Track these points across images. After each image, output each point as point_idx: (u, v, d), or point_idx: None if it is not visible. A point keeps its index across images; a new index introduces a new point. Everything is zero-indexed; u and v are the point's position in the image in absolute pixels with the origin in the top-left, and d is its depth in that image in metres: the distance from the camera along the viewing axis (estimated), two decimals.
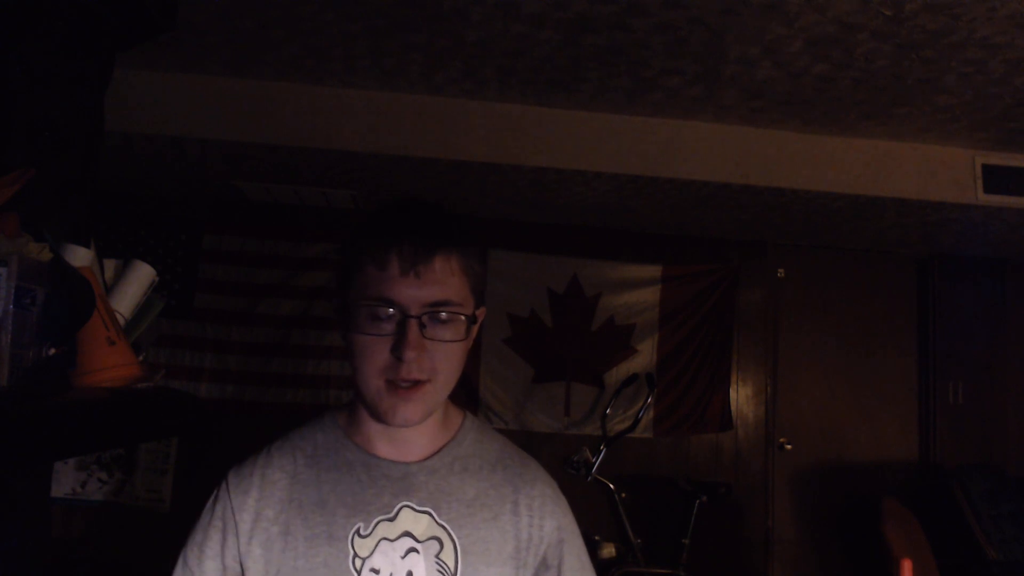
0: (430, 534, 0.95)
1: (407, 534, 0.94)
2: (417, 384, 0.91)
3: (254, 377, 4.00)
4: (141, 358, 1.40)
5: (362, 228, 0.97)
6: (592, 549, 3.51)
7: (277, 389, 4.00)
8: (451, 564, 0.94)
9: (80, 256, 1.25)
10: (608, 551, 3.47)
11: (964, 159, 3.37)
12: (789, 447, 4.27)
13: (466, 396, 4.10)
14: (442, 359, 0.93)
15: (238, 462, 1.01)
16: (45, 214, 1.25)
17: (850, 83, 2.77)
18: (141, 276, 1.47)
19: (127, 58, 2.21)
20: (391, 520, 0.94)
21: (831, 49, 2.52)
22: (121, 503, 3.78)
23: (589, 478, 3.46)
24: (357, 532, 0.93)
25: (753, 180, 3.28)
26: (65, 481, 3.75)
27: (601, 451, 3.49)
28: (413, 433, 0.99)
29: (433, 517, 0.95)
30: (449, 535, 0.95)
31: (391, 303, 0.90)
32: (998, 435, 4.28)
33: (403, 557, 0.93)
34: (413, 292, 0.90)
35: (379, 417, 0.94)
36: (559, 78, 2.90)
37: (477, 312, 0.99)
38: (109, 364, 1.24)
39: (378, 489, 0.96)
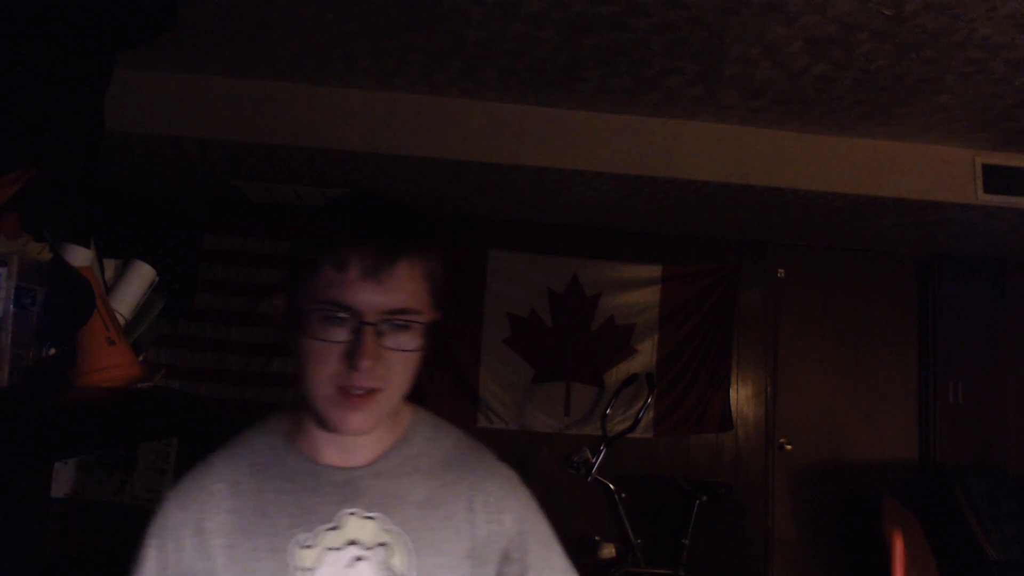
0: (378, 540, 0.91)
1: (353, 542, 0.90)
2: (370, 392, 0.87)
3: (254, 377, 4.00)
4: (141, 358, 1.40)
5: (319, 222, 0.89)
6: (592, 549, 3.51)
7: (277, 389, 4.00)
8: (402, 569, 0.90)
9: (80, 256, 1.25)
10: (608, 551, 3.47)
11: (964, 159, 3.37)
12: (789, 447, 4.27)
13: (466, 396, 4.11)
14: (397, 367, 0.88)
15: (179, 479, 0.96)
16: (45, 214, 1.25)
17: (850, 83, 2.77)
18: (141, 276, 1.47)
19: (127, 58, 2.21)
20: (336, 529, 0.90)
21: (831, 49, 2.52)
22: (121, 503, 3.78)
23: (589, 478, 3.46)
24: (300, 543, 0.89)
25: (753, 180, 3.28)
26: (65, 481, 3.75)
27: (601, 451, 3.49)
28: (360, 437, 0.94)
29: (381, 522, 0.92)
30: (398, 539, 0.91)
31: (347, 308, 0.84)
32: (998, 435, 4.28)
33: (348, 566, 0.89)
34: (372, 298, 0.84)
35: (328, 425, 0.89)
36: (559, 78, 2.90)
37: (436, 318, 0.92)
38: (109, 364, 1.24)
39: (322, 497, 0.91)
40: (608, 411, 3.85)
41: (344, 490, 0.92)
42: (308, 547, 0.89)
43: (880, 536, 3.38)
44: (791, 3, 2.24)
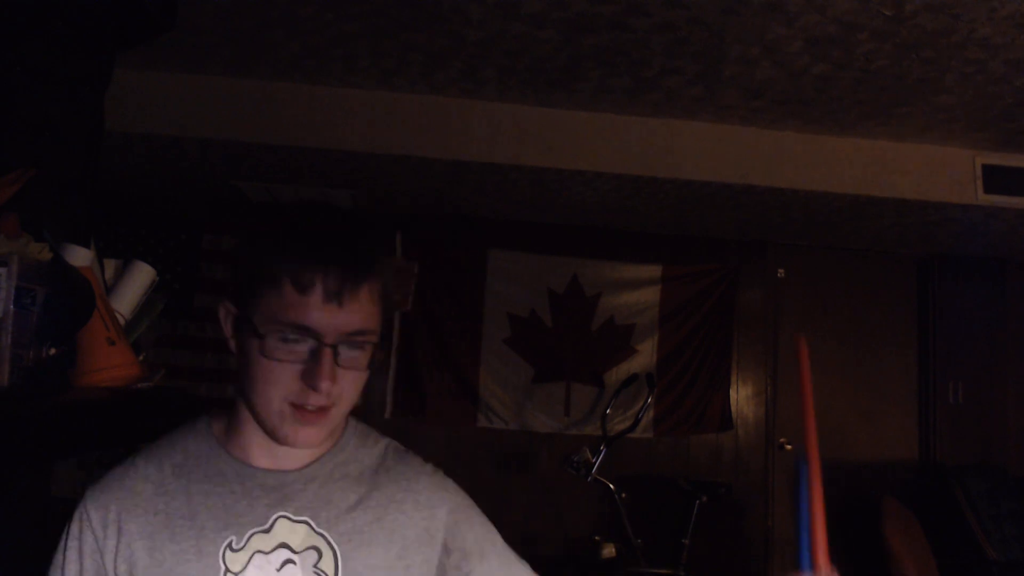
0: (308, 544, 0.90)
1: (283, 545, 0.90)
2: (322, 408, 0.87)
3: None
4: (141, 358, 1.40)
5: (279, 237, 0.87)
6: (592, 549, 3.51)
7: None
8: (331, 572, 0.90)
9: (80, 256, 1.25)
10: (608, 551, 3.47)
11: (964, 159, 3.37)
12: (789, 447, 4.27)
13: (466, 396, 4.11)
14: (349, 385, 0.88)
15: (97, 476, 0.94)
16: (45, 214, 1.25)
17: (850, 83, 2.77)
18: (141, 276, 1.47)
19: (127, 58, 2.21)
20: (266, 532, 0.89)
21: (831, 49, 2.52)
22: None
23: (589, 478, 3.46)
24: (229, 546, 0.88)
25: (753, 180, 3.28)
26: (65, 481, 3.75)
27: (601, 451, 3.49)
28: None
29: (311, 526, 0.91)
30: (328, 543, 0.91)
31: (308, 331, 0.83)
32: (998, 435, 4.28)
33: (279, 569, 0.89)
34: (332, 320, 0.83)
35: (277, 438, 0.88)
36: (559, 78, 2.90)
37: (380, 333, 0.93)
38: (109, 364, 1.24)
39: (252, 500, 0.90)
40: (608, 411, 3.85)
41: (275, 494, 0.92)
42: (238, 550, 0.88)
43: (880, 536, 3.38)
44: (791, 3, 2.24)
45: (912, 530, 3.52)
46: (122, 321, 1.39)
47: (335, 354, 0.84)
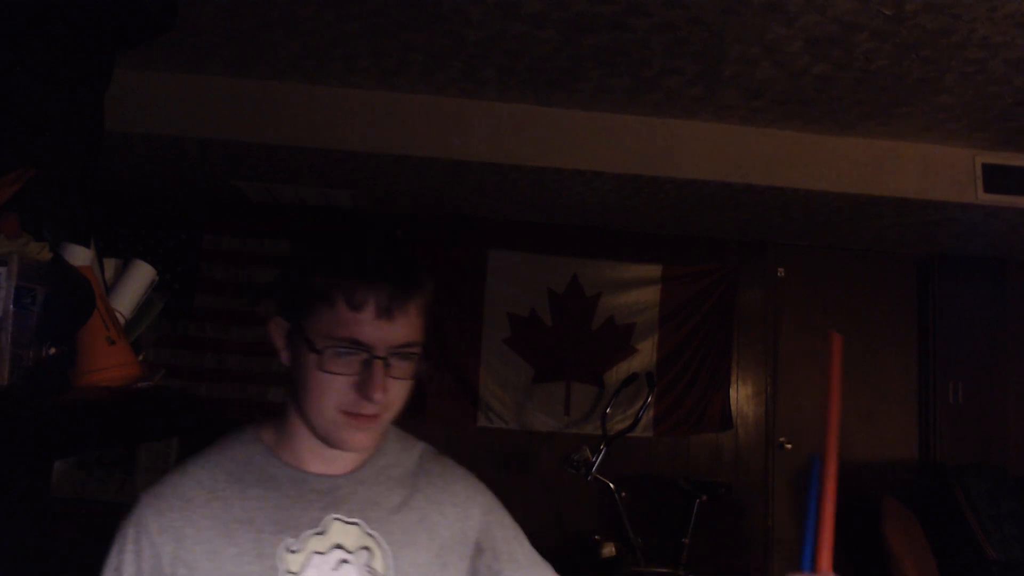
0: (360, 544, 0.95)
1: (338, 546, 0.94)
2: (374, 415, 0.92)
3: (254, 377, 4.00)
4: (141, 358, 1.40)
5: (330, 257, 0.93)
6: (592, 549, 3.51)
7: (277, 389, 4.00)
8: (382, 570, 0.95)
9: (80, 256, 1.25)
10: (608, 551, 3.47)
11: (964, 159, 3.37)
12: (789, 447, 4.27)
13: (466, 396, 4.11)
14: (397, 393, 0.94)
15: (152, 485, 0.97)
16: (45, 214, 1.25)
17: (850, 83, 2.77)
18: (141, 276, 1.47)
19: (127, 58, 2.21)
20: (321, 533, 0.94)
21: (831, 49, 2.52)
22: (121, 503, 3.78)
23: (589, 478, 3.46)
24: (287, 548, 0.92)
25: (753, 180, 3.28)
26: (65, 481, 3.75)
27: (601, 451, 3.49)
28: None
29: (362, 527, 0.96)
30: (378, 543, 0.96)
31: (361, 345, 0.89)
32: (998, 435, 4.28)
33: (335, 569, 0.93)
34: (384, 334, 0.90)
35: (331, 443, 0.94)
36: (559, 78, 2.90)
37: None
38: (109, 364, 1.24)
39: (306, 503, 0.95)
40: (608, 411, 3.85)
41: (328, 497, 0.97)
42: (295, 551, 0.92)
43: (880, 536, 3.38)
44: (791, 3, 2.24)
45: (912, 530, 3.52)
46: (122, 321, 1.39)
47: (386, 365, 0.90)
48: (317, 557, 0.93)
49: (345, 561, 0.94)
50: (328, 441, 0.94)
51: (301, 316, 0.92)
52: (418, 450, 1.10)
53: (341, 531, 0.95)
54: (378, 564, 0.95)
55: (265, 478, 0.96)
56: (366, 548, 0.95)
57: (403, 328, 0.91)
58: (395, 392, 0.93)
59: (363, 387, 0.89)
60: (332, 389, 0.90)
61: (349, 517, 0.96)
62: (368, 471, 1.01)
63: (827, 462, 1.03)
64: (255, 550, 0.91)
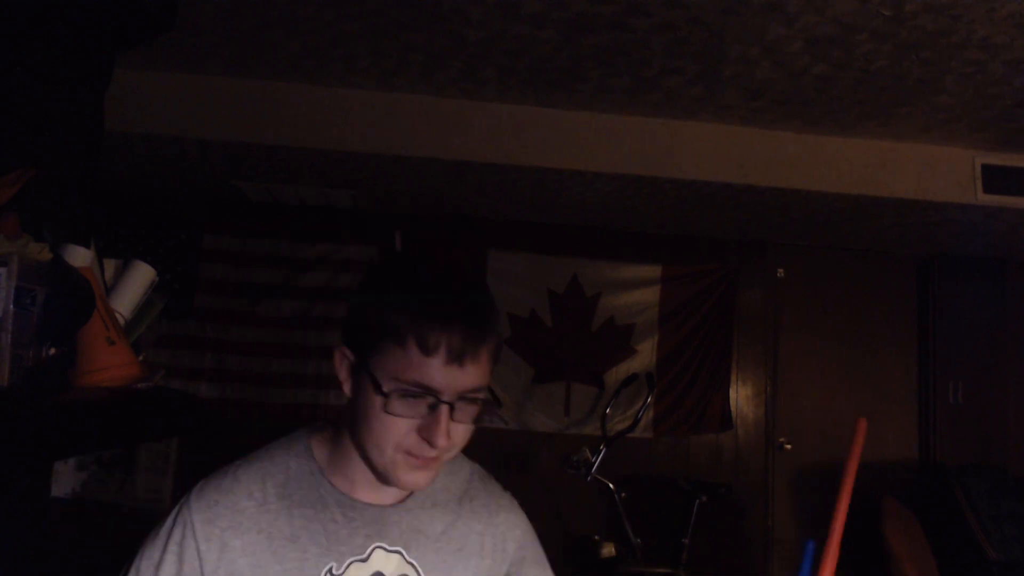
0: (400, 572, 0.96)
1: (378, 573, 0.95)
2: (435, 457, 0.92)
3: (254, 377, 4.00)
4: (141, 358, 1.40)
5: (406, 296, 0.90)
6: (592, 549, 3.51)
7: (277, 389, 4.00)
8: None
9: (80, 256, 1.25)
10: (608, 551, 3.47)
11: (964, 159, 3.37)
12: (789, 447, 4.27)
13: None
14: (460, 436, 0.92)
15: (202, 483, 0.97)
16: (45, 214, 1.24)
17: (850, 83, 2.77)
18: (141, 276, 1.47)
19: (127, 58, 2.21)
20: (363, 561, 0.94)
21: (831, 49, 2.52)
22: (121, 503, 3.78)
23: (589, 478, 3.46)
24: (330, 571, 0.93)
25: (753, 180, 3.28)
26: (65, 481, 3.75)
27: (601, 451, 3.49)
28: None
29: (403, 555, 0.97)
30: (417, 571, 0.97)
31: (429, 390, 0.87)
32: (998, 435, 4.28)
33: None
34: (453, 380, 0.87)
35: (388, 480, 0.93)
36: (559, 78, 2.90)
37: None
38: (109, 364, 1.24)
39: (352, 530, 0.95)
40: (608, 411, 3.85)
41: (374, 526, 0.97)
42: (336, 575, 0.93)
43: (880, 536, 3.38)
44: (791, 3, 2.24)
45: (912, 530, 3.52)
46: (122, 321, 1.39)
47: (451, 410, 0.88)
48: None
49: None
50: (385, 478, 0.93)
51: (368, 351, 0.89)
52: (466, 473, 1.09)
53: (383, 559, 0.96)
54: None
55: (314, 499, 0.96)
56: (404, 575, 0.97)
57: (473, 374, 0.88)
58: (458, 436, 0.91)
59: (427, 431, 0.88)
60: (394, 430, 0.88)
61: (391, 546, 0.96)
62: (415, 500, 1.01)
63: (828, 551, 0.94)
64: (299, 570, 0.91)
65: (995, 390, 4.32)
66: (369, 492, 0.98)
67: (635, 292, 4.26)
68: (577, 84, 2.94)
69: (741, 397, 4.31)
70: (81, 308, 1.18)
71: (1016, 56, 2.48)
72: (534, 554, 1.10)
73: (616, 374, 4.16)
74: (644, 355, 4.22)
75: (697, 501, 3.62)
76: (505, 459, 4.12)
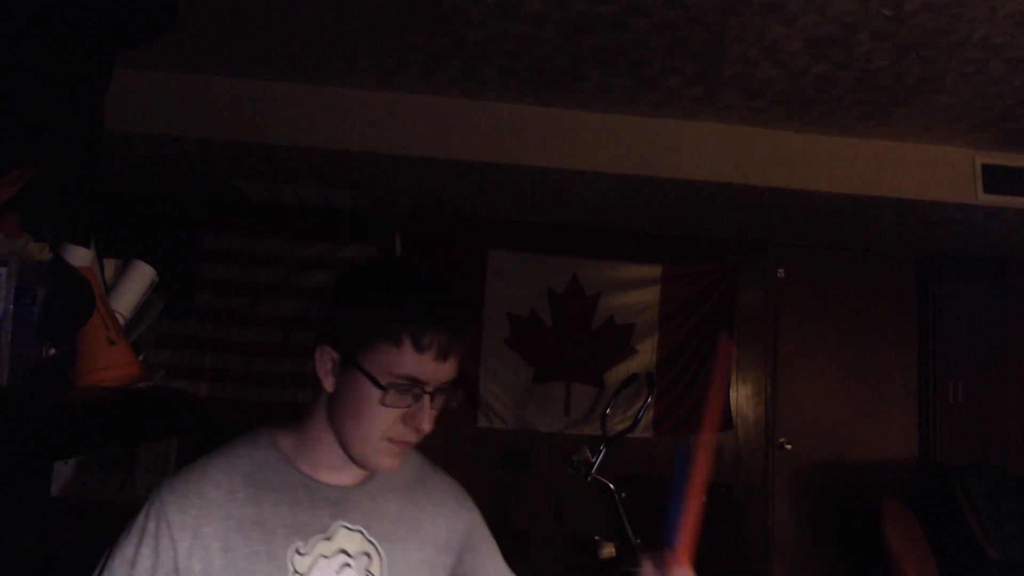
0: (361, 550, 1.03)
1: (342, 551, 1.02)
2: (411, 443, 1.02)
3: (254, 377, 4.00)
4: (141, 358, 1.40)
5: (398, 300, 0.99)
6: (592, 549, 3.51)
7: (277, 389, 4.00)
8: (379, 573, 1.04)
9: (80, 256, 1.25)
10: (608, 551, 3.46)
11: (964, 159, 3.37)
12: (789, 447, 4.27)
13: (466, 396, 4.10)
14: (432, 422, 1.02)
15: (169, 479, 1.01)
16: (45, 214, 1.24)
17: (850, 83, 2.77)
18: (141, 276, 1.47)
19: (127, 58, 2.21)
20: (328, 539, 1.01)
21: (831, 49, 2.52)
22: (121, 503, 3.78)
23: (589, 478, 3.45)
24: (296, 550, 0.98)
25: (753, 180, 3.28)
26: (65, 481, 3.75)
27: (601, 451, 3.49)
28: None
29: (364, 534, 1.04)
30: (376, 549, 1.04)
31: (418, 383, 0.97)
32: (998, 435, 4.28)
33: (338, 572, 1.01)
34: (437, 373, 0.99)
35: (366, 465, 1.03)
36: (559, 78, 2.90)
37: None
38: (109, 364, 1.24)
39: (316, 511, 1.02)
40: (608, 411, 3.85)
41: (337, 506, 1.04)
42: (304, 554, 0.99)
43: (880, 536, 3.38)
44: (791, 3, 2.24)
45: (912, 530, 3.52)
46: (122, 321, 1.39)
47: (432, 399, 1.00)
48: (323, 560, 1.00)
49: (347, 565, 1.01)
50: (363, 463, 1.02)
51: (356, 349, 0.98)
52: (416, 461, 1.17)
53: (346, 537, 1.02)
54: (375, 569, 1.03)
55: (280, 484, 1.02)
56: (366, 554, 1.03)
57: (452, 367, 1.00)
58: (431, 423, 1.01)
59: (413, 419, 0.99)
60: (382, 419, 0.98)
61: (353, 525, 1.04)
62: (374, 483, 1.09)
63: (702, 450, 1.13)
64: (267, 551, 0.97)
65: (995, 390, 4.32)
66: (332, 475, 1.05)
67: (635, 292, 4.26)
68: (577, 84, 2.94)
69: (741, 397, 4.31)
70: (81, 308, 1.18)
71: (1016, 55, 2.48)
72: (483, 535, 1.20)
73: (616, 374, 4.16)
74: (644, 355, 4.22)
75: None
76: (505, 459, 4.12)
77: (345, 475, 1.06)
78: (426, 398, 0.98)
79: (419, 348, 0.96)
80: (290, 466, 1.04)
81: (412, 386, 0.97)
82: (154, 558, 0.95)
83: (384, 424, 0.98)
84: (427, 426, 0.99)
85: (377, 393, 0.96)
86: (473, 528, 1.18)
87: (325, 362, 1.01)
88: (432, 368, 0.98)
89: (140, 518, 0.97)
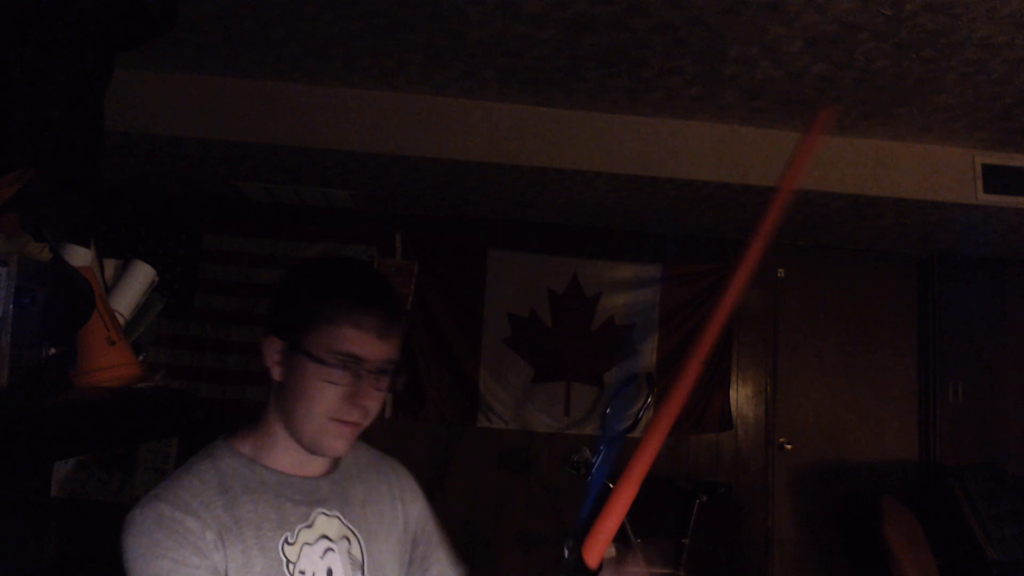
0: (341, 534, 1.09)
1: (324, 536, 1.07)
2: (356, 423, 1.05)
3: (254, 377, 4.00)
4: (141, 358, 1.40)
5: (336, 284, 1.05)
6: None
7: None
8: (359, 556, 1.10)
9: (80, 256, 1.25)
10: (608, 551, 3.47)
11: (964, 159, 3.36)
12: (789, 447, 4.27)
13: (466, 396, 4.11)
14: (376, 403, 1.06)
15: (142, 503, 0.98)
16: (45, 214, 1.25)
17: (850, 83, 2.77)
18: (141, 276, 1.47)
19: (127, 58, 2.21)
20: (309, 527, 1.06)
21: (831, 49, 2.52)
22: (121, 503, 3.78)
23: (589, 478, 3.45)
24: (285, 540, 1.03)
25: (753, 180, 3.28)
26: (65, 481, 3.75)
27: (601, 451, 3.49)
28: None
29: (340, 519, 1.10)
30: (353, 532, 1.10)
31: (359, 359, 1.02)
32: (998, 435, 4.28)
33: (322, 557, 1.05)
34: (378, 351, 1.03)
35: (313, 448, 1.05)
36: (559, 78, 2.90)
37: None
38: (109, 364, 1.24)
39: (294, 503, 1.06)
40: (608, 411, 3.85)
41: (311, 496, 1.09)
42: (292, 543, 1.03)
43: (880, 536, 3.38)
44: (791, 3, 2.24)
45: (912, 530, 3.52)
46: (122, 321, 1.39)
47: (374, 379, 1.03)
48: (307, 547, 1.04)
49: (330, 550, 1.07)
50: (312, 447, 1.05)
51: (300, 334, 1.02)
52: (365, 448, 1.23)
53: (325, 523, 1.08)
54: (355, 550, 1.09)
55: (254, 484, 1.05)
56: (346, 538, 1.09)
57: (391, 346, 1.05)
58: (375, 403, 1.05)
59: (354, 396, 1.02)
60: (325, 398, 1.01)
61: (330, 511, 1.09)
62: (338, 472, 1.14)
63: (645, 443, 1.10)
64: (259, 545, 1.00)
65: (995, 390, 4.32)
66: (298, 467, 1.09)
67: (635, 292, 4.26)
68: (577, 84, 2.94)
69: (741, 397, 4.31)
70: (81, 308, 1.18)
71: (1016, 55, 2.48)
72: (433, 521, 1.26)
73: (616, 374, 4.16)
74: (644, 355, 4.22)
75: (697, 501, 3.62)
76: (505, 459, 4.12)
77: (310, 467, 1.10)
78: (369, 377, 1.02)
79: (357, 325, 1.01)
80: (257, 466, 1.07)
81: (352, 362, 1.01)
82: (196, 552, 0.95)
83: (328, 402, 1.01)
84: (371, 404, 1.03)
85: (320, 370, 1.00)
86: (424, 509, 1.25)
87: (272, 352, 1.05)
88: (371, 346, 1.02)
89: (142, 532, 0.95)
